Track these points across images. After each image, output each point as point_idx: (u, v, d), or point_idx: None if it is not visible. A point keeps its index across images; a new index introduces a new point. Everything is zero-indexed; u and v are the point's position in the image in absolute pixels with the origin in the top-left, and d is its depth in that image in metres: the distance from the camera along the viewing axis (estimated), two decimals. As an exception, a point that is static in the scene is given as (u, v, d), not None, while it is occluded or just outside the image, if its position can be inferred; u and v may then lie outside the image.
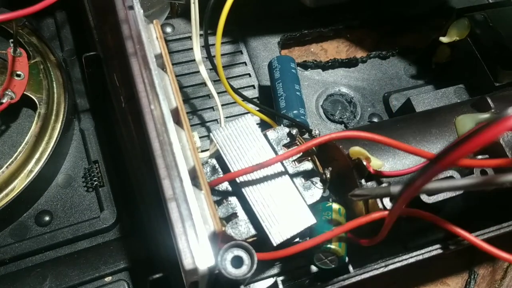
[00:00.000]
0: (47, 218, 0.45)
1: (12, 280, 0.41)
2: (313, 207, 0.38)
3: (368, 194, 0.34)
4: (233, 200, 0.37)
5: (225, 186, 0.37)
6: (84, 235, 0.44)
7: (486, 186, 0.24)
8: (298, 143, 0.40)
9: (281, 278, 0.39)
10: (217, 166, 0.38)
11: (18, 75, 0.44)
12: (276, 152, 0.39)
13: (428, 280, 0.52)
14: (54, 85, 0.47)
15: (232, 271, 0.31)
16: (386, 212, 0.34)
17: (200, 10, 0.43)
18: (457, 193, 0.37)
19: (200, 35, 0.44)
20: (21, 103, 0.45)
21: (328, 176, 0.38)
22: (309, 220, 0.36)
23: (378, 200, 0.36)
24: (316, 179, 0.39)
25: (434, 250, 0.40)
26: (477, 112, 0.44)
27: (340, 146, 0.39)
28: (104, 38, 0.45)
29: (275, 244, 0.35)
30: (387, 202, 0.36)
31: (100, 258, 0.43)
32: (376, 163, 0.38)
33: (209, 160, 0.38)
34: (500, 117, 0.19)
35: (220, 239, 0.31)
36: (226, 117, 0.52)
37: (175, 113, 0.32)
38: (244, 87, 0.55)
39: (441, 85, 0.58)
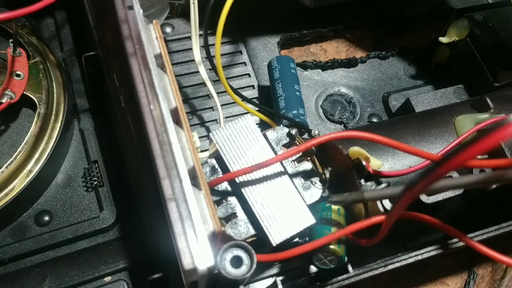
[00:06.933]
0: (46, 218, 0.45)
1: (11, 280, 0.41)
2: (313, 207, 0.38)
3: (343, 201, 0.36)
4: (233, 200, 0.37)
5: (224, 186, 0.37)
6: (83, 235, 0.44)
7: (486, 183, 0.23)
8: (297, 143, 0.40)
9: (280, 278, 0.39)
10: (216, 166, 0.38)
11: (18, 75, 0.44)
12: (275, 152, 0.39)
13: (428, 280, 0.52)
14: (54, 85, 0.47)
15: (232, 271, 0.31)
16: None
17: (200, 10, 0.43)
18: (457, 193, 0.37)
19: (200, 35, 0.44)
20: (21, 103, 0.45)
21: (328, 176, 0.38)
22: (309, 220, 0.36)
23: (378, 201, 0.36)
24: (316, 179, 0.39)
25: (434, 250, 0.40)
26: (477, 112, 0.44)
27: (340, 146, 0.39)
28: (103, 38, 0.45)
29: (274, 244, 0.35)
30: (387, 203, 0.36)
31: (100, 258, 0.43)
32: (375, 163, 0.38)
33: (209, 160, 0.38)
34: (509, 121, 0.18)
35: (220, 239, 0.31)
36: (226, 117, 0.52)
37: (174, 113, 0.32)
38: (243, 87, 0.55)
39: (440, 85, 0.58)
